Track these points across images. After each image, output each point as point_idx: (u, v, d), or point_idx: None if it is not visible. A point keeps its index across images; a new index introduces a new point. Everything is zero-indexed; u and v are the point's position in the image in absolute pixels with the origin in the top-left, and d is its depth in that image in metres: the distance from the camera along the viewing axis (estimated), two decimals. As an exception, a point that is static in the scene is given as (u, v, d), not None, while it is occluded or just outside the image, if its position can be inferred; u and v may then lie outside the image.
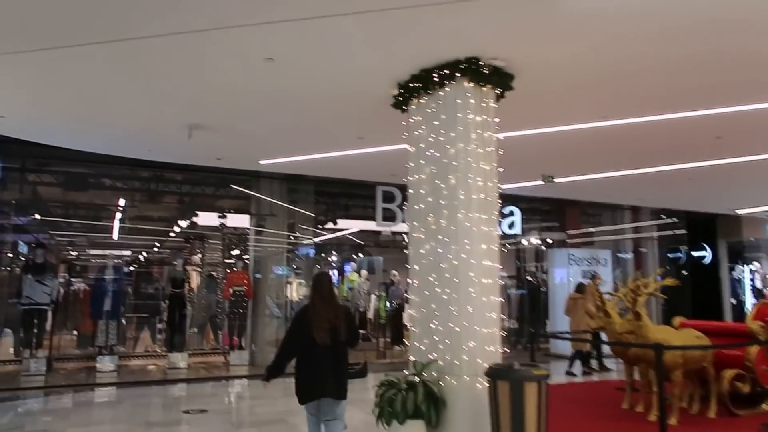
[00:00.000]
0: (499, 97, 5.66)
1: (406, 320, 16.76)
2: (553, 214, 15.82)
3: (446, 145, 5.36)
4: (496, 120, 5.54)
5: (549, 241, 15.24)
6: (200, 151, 8.70)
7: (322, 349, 4.32)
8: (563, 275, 14.16)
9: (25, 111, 7.08)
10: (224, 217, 11.73)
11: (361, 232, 19.77)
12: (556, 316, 13.99)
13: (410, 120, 5.91)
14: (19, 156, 10.48)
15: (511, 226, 13.09)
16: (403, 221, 12.46)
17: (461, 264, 5.15)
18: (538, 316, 14.98)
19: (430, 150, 5.53)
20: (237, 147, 8.55)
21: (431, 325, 5.31)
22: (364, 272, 15.02)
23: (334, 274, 23.64)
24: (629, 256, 16.36)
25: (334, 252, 24.15)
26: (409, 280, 5.93)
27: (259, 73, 5.61)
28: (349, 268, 19.66)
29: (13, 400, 8.46)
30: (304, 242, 13.51)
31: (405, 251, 5.88)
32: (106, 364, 10.00)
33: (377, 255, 24.67)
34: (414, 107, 5.83)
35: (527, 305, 15.27)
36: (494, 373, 4.70)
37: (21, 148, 9.59)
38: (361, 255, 23.36)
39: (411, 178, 5.83)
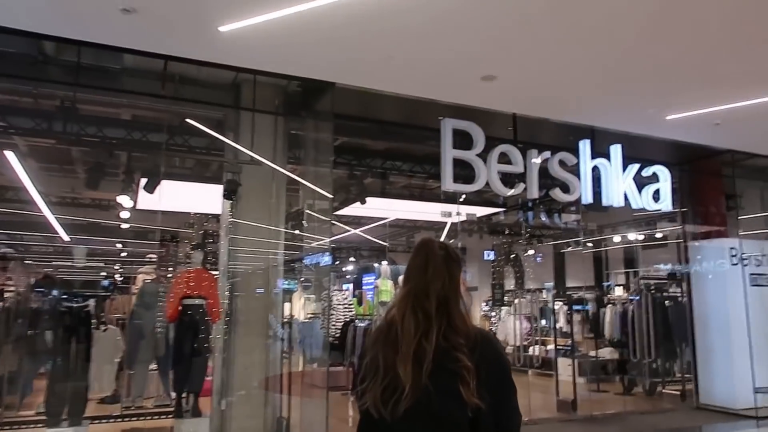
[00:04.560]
0: None
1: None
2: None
3: None
4: None
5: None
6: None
7: (409, 416, 1.48)
8: (722, 282, 8.92)
9: None
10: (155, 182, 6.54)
11: (391, 226, 14.71)
12: (706, 345, 9.00)
13: None
14: None
15: (656, 196, 7.99)
16: (487, 183, 7.39)
17: None
18: (667, 342, 9.80)
19: None
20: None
21: None
22: (401, 278, 9.77)
23: (348, 289, 18.05)
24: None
25: (343, 257, 18.68)
26: None
27: None
28: (374, 275, 14.59)
29: None
30: (313, 244, 8.27)
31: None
32: None
33: (401, 263, 19.30)
34: None
35: (644, 323, 10.02)
36: None
37: None
38: (384, 263, 17.85)
39: None
